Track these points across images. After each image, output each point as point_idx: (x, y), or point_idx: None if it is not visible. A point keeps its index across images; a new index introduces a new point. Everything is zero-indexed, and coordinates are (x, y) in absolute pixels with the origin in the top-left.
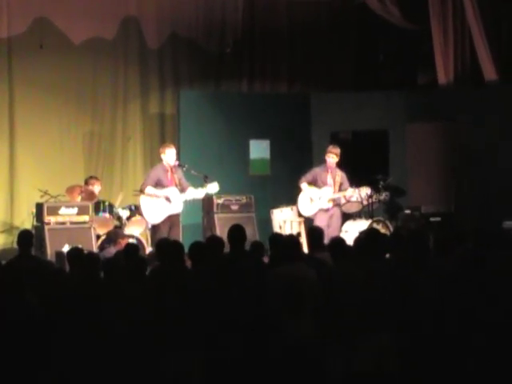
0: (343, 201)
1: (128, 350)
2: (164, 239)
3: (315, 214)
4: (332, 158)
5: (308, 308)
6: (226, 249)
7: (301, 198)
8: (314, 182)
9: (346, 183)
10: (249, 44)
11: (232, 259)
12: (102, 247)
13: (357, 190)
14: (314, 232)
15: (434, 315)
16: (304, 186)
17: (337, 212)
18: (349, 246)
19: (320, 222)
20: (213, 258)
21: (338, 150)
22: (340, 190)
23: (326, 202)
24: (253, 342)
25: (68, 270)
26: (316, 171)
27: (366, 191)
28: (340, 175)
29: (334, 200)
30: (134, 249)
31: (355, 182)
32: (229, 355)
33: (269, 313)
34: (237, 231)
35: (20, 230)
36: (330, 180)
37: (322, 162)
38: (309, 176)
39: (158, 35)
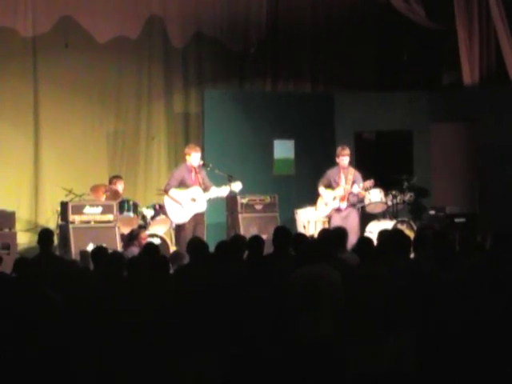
0: (366, 201)
1: (150, 349)
2: (196, 238)
3: (330, 215)
4: (345, 159)
5: (327, 308)
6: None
7: (319, 202)
8: (329, 185)
9: (360, 181)
10: (273, 44)
11: (275, 260)
12: (125, 246)
13: (361, 185)
14: (338, 232)
15: (455, 315)
16: (321, 189)
17: (353, 213)
18: (376, 246)
19: (335, 222)
20: (238, 257)
21: (347, 151)
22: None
23: (337, 202)
24: (272, 341)
25: (92, 269)
26: (329, 174)
27: (369, 184)
28: (352, 173)
29: (346, 199)
30: (153, 248)
31: (379, 182)
32: (248, 353)
33: (288, 312)
34: (282, 233)
35: (40, 229)
36: (342, 180)
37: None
38: (324, 180)
39: (182, 34)
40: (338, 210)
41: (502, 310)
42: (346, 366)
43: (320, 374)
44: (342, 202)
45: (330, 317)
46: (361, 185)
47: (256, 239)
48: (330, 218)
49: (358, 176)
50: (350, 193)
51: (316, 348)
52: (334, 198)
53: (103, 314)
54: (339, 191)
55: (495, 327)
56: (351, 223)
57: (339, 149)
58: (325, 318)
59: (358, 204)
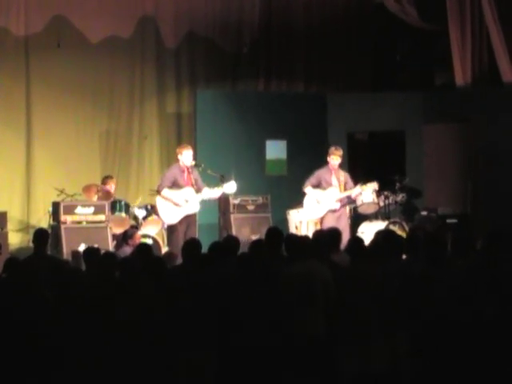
0: (359, 202)
1: (142, 349)
2: (192, 239)
3: (323, 216)
4: (336, 159)
5: (319, 304)
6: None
7: (307, 202)
8: (318, 185)
9: (350, 182)
10: (265, 44)
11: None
12: (117, 247)
13: (364, 187)
14: (333, 234)
15: (449, 316)
16: (308, 189)
17: (344, 213)
18: (367, 247)
19: (328, 223)
20: (231, 258)
21: (340, 152)
22: (345, 189)
23: (334, 203)
24: (265, 339)
25: (84, 269)
26: (319, 173)
27: (373, 186)
28: (343, 175)
29: (341, 200)
30: (146, 248)
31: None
32: (242, 352)
33: (282, 310)
34: (274, 234)
35: (36, 228)
36: (334, 180)
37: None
38: (313, 179)
39: (174, 34)
40: (334, 211)
41: (499, 311)
42: (339, 365)
43: (314, 371)
44: (337, 202)
45: (322, 314)
46: (363, 186)
47: (258, 243)
48: (322, 218)
49: (348, 177)
50: (350, 196)
51: (310, 345)
52: (329, 199)
53: (96, 315)
54: (334, 192)
55: (491, 328)
56: (343, 223)
57: (332, 148)
58: (319, 315)
59: (348, 204)
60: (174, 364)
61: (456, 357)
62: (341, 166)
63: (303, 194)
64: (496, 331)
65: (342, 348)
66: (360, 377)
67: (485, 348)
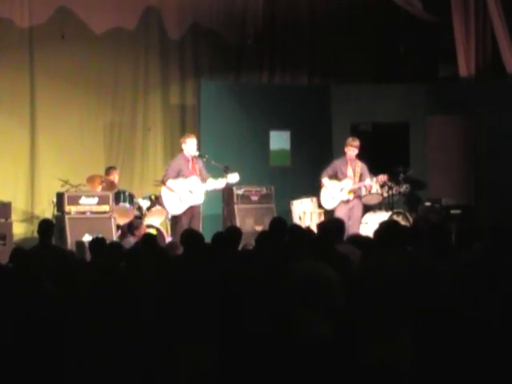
0: (364, 192)
1: (147, 341)
2: (190, 229)
3: (336, 207)
4: (352, 151)
5: (323, 307)
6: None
7: (323, 193)
8: (334, 175)
9: (367, 174)
10: (269, 35)
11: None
12: (121, 237)
13: (374, 179)
14: (335, 224)
15: (452, 309)
16: (325, 180)
17: (357, 204)
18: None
19: (340, 213)
20: (233, 248)
21: (357, 143)
22: (360, 180)
23: (346, 194)
24: (267, 340)
25: (89, 260)
26: (336, 164)
27: (383, 178)
28: (360, 166)
29: (354, 191)
30: (152, 239)
31: (375, 173)
32: (244, 351)
33: (283, 307)
34: (278, 225)
35: (41, 219)
36: (350, 172)
37: (342, 153)
38: (329, 170)
39: (179, 26)
40: (347, 201)
41: (502, 307)
42: (342, 362)
43: (318, 374)
44: (349, 194)
45: (328, 316)
46: (374, 178)
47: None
48: (335, 208)
49: (365, 169)
50: (365, 186)
51: (313, 347)
52: (342, 190)
53: (98, 310)
54: (347, 184)
55: (495, 323)
56: (356, 214)
57: (349, 139)
58: (320, 317)
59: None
60: (175, 360)
61: (459, 353)
62: (358, 156)
63: (309, 185)
64: (499, 329)
65: (348, 345)
66: (361, 372)
67: (487, 345)
